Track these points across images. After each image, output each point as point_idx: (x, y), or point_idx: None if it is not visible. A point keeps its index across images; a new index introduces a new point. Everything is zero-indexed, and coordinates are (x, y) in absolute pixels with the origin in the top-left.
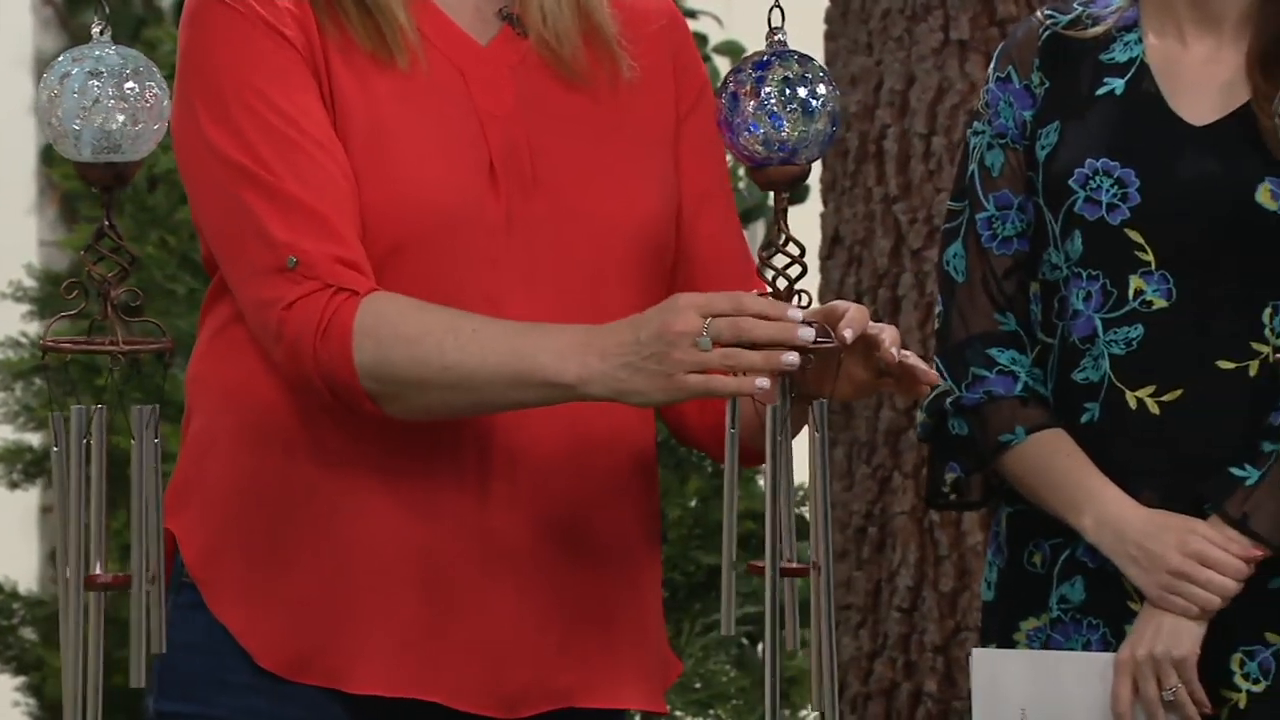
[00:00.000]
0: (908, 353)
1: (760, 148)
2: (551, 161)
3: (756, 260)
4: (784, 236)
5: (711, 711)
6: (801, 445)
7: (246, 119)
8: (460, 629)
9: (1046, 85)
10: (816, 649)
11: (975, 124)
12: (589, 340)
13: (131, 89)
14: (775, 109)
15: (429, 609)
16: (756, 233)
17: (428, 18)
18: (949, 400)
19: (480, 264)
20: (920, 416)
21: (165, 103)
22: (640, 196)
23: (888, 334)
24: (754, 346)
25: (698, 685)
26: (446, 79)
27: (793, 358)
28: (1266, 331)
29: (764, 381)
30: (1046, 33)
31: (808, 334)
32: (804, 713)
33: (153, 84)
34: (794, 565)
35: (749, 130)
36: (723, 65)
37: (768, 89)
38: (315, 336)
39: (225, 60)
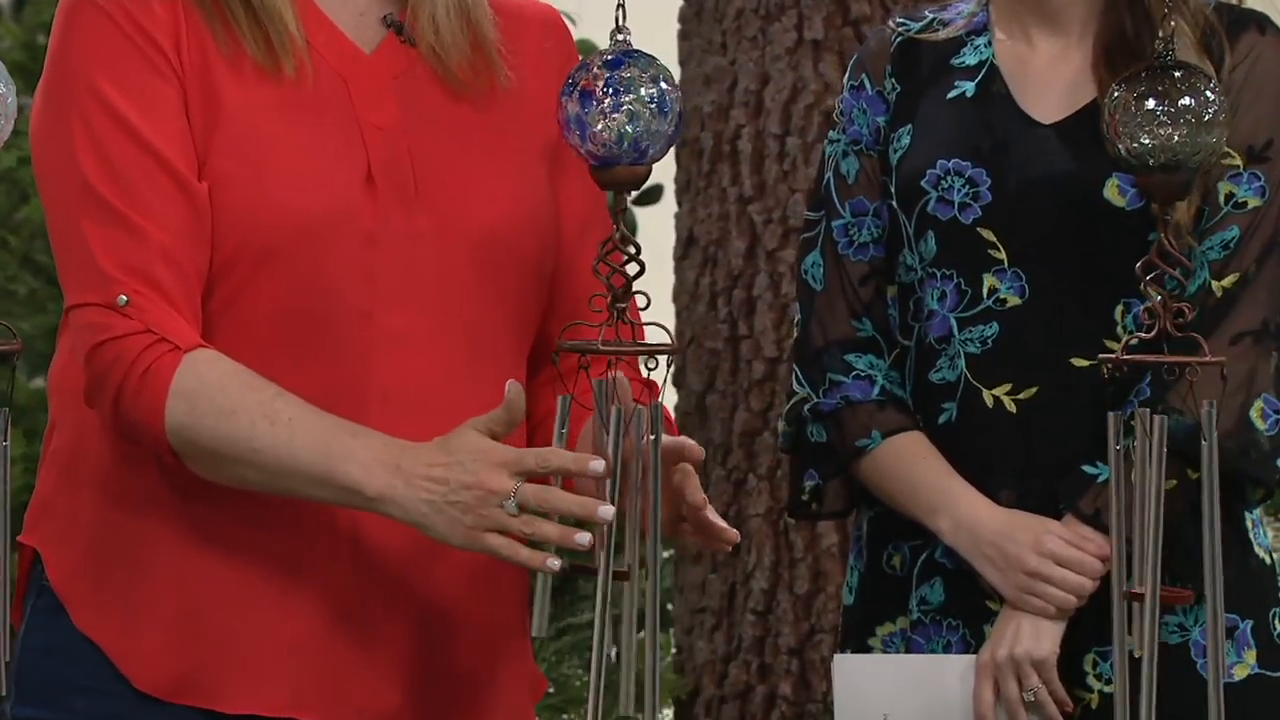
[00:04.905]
0: (710, 511)
1: (611, 147)
2: (435, 173)
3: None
4: (621, 235)
5: (565, 716)
6: None
7: (108, 138)
8: (333, 647)
9: (899, 90)
10: (643, 653)
11: (831, 133)
12: (399, 460)
13: None
14: (633, 107)
15: (303, 627)
16: None
17: (314, 24)
18: (807, 407)
19: (351, 275)
20: (781, 426)
21: (10, 101)
22: (524, 211)
23: (692, 485)
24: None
25: (552, 690)
26: (330, 88)
27: (584, 538)
28: (1119, 329)
29: (555, 561)
30: (898, 40)
31: (607, 513)
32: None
33: None
34: (617, 569)
35: (601, 128)
36: None
37: (620, 87)
38: (129, 380)
39: (94, 71)
